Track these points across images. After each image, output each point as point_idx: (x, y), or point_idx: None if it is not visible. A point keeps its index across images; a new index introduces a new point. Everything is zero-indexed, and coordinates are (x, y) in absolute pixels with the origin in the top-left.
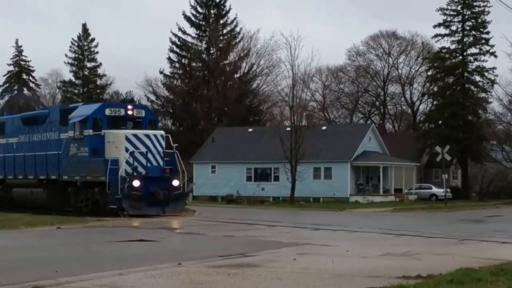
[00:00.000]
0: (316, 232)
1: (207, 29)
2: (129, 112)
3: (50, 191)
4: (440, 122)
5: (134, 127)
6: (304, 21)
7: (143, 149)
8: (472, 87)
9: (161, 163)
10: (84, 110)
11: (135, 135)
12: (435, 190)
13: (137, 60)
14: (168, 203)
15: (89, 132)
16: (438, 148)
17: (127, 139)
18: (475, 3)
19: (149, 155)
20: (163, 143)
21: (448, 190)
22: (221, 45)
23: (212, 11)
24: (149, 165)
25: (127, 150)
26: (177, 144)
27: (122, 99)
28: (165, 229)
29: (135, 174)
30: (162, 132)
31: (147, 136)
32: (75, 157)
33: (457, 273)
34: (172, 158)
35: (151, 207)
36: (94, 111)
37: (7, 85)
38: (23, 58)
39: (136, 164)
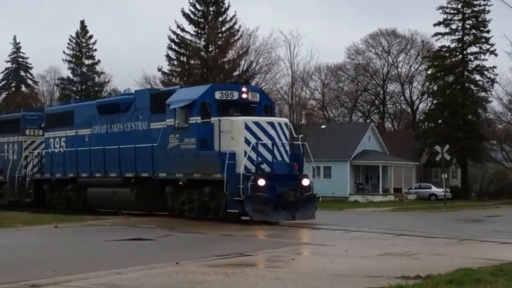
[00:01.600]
0: (315, 231)
1: (206, 27)
2: (244, 96)
3: (140, 191)
4: (439, 121)
5: (246, 114)
6: (304, 19)
7: (267, 141)
8: (472, 86)
9: (286, 158)
10: (187, 93)
11: (257, 123)
12: (434, 189)
13: (135, 58)
14: (298, 207)
15: (197, 119)
16: (437, 148)
17: (247, 128)
18: (475, 2)
19: (275, 148)
20: (288, 134)
21: (448, 190)
22: (220, 42)
23: (211, 9)
24: (274, 160)
25: (247, 141)
26: (302, 135)
27: (233, 80)
28: (163, 228)
29: (258, 171)
30: (286, 120)
31: (271, 124)
32: (177, 150)
33: (456, 273)
34: (298, 152)
35: (278, 212)
36: (203, 94)
37: (4, 82)
38: (21, 55)
39: (260, 159)
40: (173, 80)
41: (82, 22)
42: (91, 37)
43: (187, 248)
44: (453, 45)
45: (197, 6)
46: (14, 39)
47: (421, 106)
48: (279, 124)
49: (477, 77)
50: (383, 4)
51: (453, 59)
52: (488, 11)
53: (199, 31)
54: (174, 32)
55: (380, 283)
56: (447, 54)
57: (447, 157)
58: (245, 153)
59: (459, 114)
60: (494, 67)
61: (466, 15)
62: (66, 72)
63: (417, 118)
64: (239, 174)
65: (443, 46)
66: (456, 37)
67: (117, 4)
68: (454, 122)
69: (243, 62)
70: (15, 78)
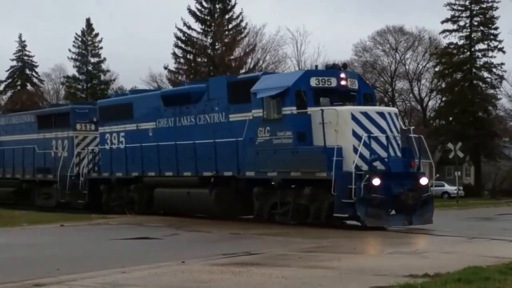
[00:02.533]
0: (323, 230)
1: (212, 24)
2: (342, 83)
3: (221, 192)
4: (450, 118)
5: (345, 103)
6: (311, 16)
7: (379, 134)
8: (480, 83)
9: (399, 153)
10: (276, 80)
11: (365, 114)
12: (447, 187)
13: (141, 56)
14: (415, 210)
15: (292, 109)
16: (450, 145)
17: (355, 119)
18: None
19: (388, 143)
20: (398, 125)
21: (461, 187)
22: (226, 40)
23: (217, 6)
24: (389, 156)
25: (355, 134)
26: (414, 127)
27: (330, 64)
28: (169, 227)
29: (371, 169)
30: (396, 109)
31: (381, 114)
32: (268, 146)
33: (465, 271)
34: (411, 146)
35: (394, 216)
36: (297, 81)
37: (10, 80)
38: (26, 53)
39: (373, 155)
40: (179, 78)
41: (88, 20)
42: (97, 35)
43: (193, 247)
44: (461, 42)
45: (204, 3)
46: (20, 37)
47: (430, 103)
48: (389, 114)
49: (485, 74)
50: (390, 1)
51: (461, 56)
52: (496, 8)
53: (206, 29)
54: (180, 30)
55: (388, 281)
56: (455, 51)
57: (460, 154)
58: (354, 148)
59: (469, 111)
60: (502, 64)
61: (474, 12)
62: (71, 70)
63: (428, 115)
64: (350, 173)
65: (451, 43)
66: (464, 34)
67: (122, 1)
68: (465, 120)
69: (249, 59)
70: (20, 77)
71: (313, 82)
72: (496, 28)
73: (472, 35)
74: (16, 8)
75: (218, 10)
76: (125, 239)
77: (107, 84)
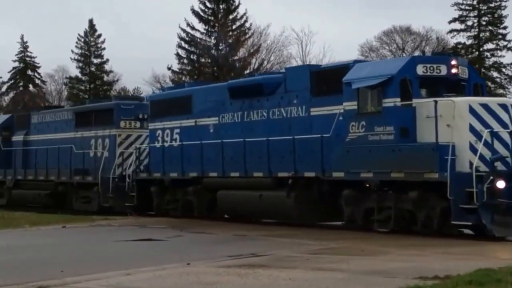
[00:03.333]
0: (329, 231)
1: (216, 25)
2: (453, 71)
3: (301, 195)
4: None
5: (454, 94)
6: (316, 16)
7: (501, 129)
8: (489, 83)
9: None
10: (377, 68)
11: (485, 106)
12: None
13: (145, 56)
14: None
15: (395, 101)
16: None
17: (473, 112)
18: None
19: None
20: None
21: None
22: (230, 40)
23: (221, 6)
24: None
25: (472, 130)
26: None
27: (438, 50)
28: (173, 229)
29: (493, 170)
30: None
31: (503, 106)
32: (362, 143)
33: (476, 273)
34: None
35: None
36: (402, 69)
37: (12, 81)
38: (29, 54)
39: (494, 154)
40: (183, 78)
41: (91, 21)
42: (99, 35)
43: (198, 248)
44: (469, 42)
45: (207, 4)
46: (22, 38)
47: None
48: None
49: (495, 74)
50: (397, 1)
51: (469, 56)
52: (505, 7)
53: (209, 29)
54: (184, 30)
55: (397, 283)
56: (463, 51)
57: None
58: (470, 145)
59: None
60: None
61: (482, 12)
62: (74, 71)
63: None
64: (469, 174)
65: (459, 43)
66: (472, 33)
67: (125, 2)
68: None
69: (254, 60)
70: (22, 78)
71: (420, 70)
72: (505, 28)
73: (481, 35)
74: (18, 8)
75: (222, 10)
76: (128, 241)
77: (110, 85)
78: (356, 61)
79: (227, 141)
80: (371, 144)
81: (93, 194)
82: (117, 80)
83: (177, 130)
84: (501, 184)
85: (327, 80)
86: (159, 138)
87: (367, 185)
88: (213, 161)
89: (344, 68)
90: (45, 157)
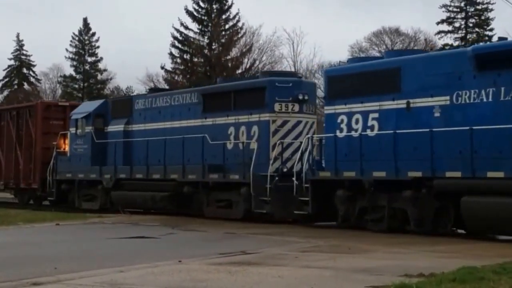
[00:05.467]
0: (318, 230)
1: (209, 24)
2: None
3: None
4: None
5: None
6: (307, 17)
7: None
8: None
9: None
10: None
11: None
12: None
13: (138, 55)
14: None
15: None
16: None
17: None
18: (478, 0)
19: None
20: None
21: None
22: (223, 40)
23: (214, 6)
24: None
25: None
26: None
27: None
28: (165, 227)
29: None
30: None
31: None
32: None
33: (459, 271)
34: None
35: None
36: None
37: (7, 79)
38: (24, 52)
39: None
40: (176, 78)
41: (85, 20)
42: (93, 34)
43: (190, 246)
44: (456, 43)
45: (201, 3)
46: (17, 36)
47: None
48: None
49: None
50: (386, 2)
51: None
52: (491, 10)
53: (203, 29)
54: (177, 30)
55: (383, 281)
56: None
57: None
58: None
59: None
60: None
61: (469, 14)
62: (69, 70)
63: None
64: None
65: (446, 44)
66: (459, 35)
67: (120, 1)
68: None
69: (246, 60)
70: (17, 76)
71: None
72: (491, 30)
73: (468, 36)
74: (13, 7)
75: (215, 10)
76: (121, 238)
77: (104, 84)
78: None
79: (479, 129)
80: None
81: (237, 196)
82: (111, 79)
83: (374, 115)
84: None
85: None
86: (343, 126)
87: None
88: (448, 156)
89: None
90: (163, 151)
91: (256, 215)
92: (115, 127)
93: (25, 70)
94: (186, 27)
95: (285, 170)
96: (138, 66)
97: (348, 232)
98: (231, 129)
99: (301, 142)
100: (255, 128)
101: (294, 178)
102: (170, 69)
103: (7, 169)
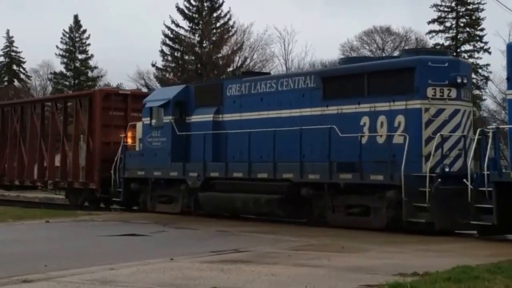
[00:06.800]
0: (312, 228)
1: (200, 22)
2: None
3: None
4: None
5: None
6: (298, 15)
7: None
8: None
9: None
10: None
11: None
12: None
13: (129, 53)
14: None
15: None
16: None
17: None
18: (469, 0)
19: None
20: None
21: None
22: (214, 38)
23: (205, 4)
24: None
25: None
26: None
27: None
28: (156, 224)
29: None
30: None
31: None
32: None
33: (454, 270)
34: None
35: None
36: None
37: None
38: (14, 49)
39: None
40: (167, 75)
41: (76, 17)
42: (84, 31)
43: (181, 244)
44: (447, 43)
45: (192, 1)
46: (7, 33)
47: None
48: None
49: (472, 75)
50: (378, 1)
51: None
52: (482, 10)
53: (194, 27)
54: (168, 27)
55: (377, 280)
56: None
57: None
58: None
59: None
60: (488, 65)
61: (460, 13)
62: (59, 67)
63: None
64: None
65: (437, 44)
66: (450, 35)
67: None
68: None
69: (237, 58)
70: (7, 73)
71: None
72: (482, 30)
73: (458, 36)
74: (3, 3)
75: (206, 8)
76: (112, 236)
77: (94, 81)
78: None
79: None
80: None
81: (378, 201)
82: (101, 76)
83: None
84: None
85: None
86: None
87: None
88: None
89: None
90: (269, 145)
91: (405, 225)
92: (201, 117)
93: (15, 67)
94: (177, 25)
95: (446, 170)
96: (129, 63)
97: (340, 231)
98: (365, 120)
99: (462, 135)
100: (400, 118)
101: (467, 180)
102: (161, 67)
103: (51, 166)
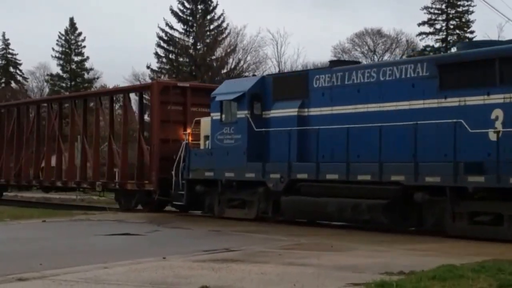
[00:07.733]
0: (301, 228)
1: (194, 25)
2: None
3: None
4: None
5: None
6: (290, 18)
7: None
8: None
9: None
10: None
11: None
12: None
13: (124, 55)
14: None
15: None
16: None
17: None
18: (459, 3)
19: None
20: None
21: None
22: (208, 40)
23: (199, 7)
24: None
25: None
26: None
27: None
28: (151, 224)
29: None
30: None
31: None
32: None
33: (439, 269)
34: None
35: None
36: None
37: None
38: (10, 51)
39: None
40: (162, 77)
41: (72, 19)
42: (80, 34)
43: (174, 243)
44: (437, 45)
45: (186, 4)
46: (3, 35)
47: None
48: None
49: None
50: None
51: None
52: (472, 12)
53: (188, 29)
54: (162, 30)
55: (364, 278)
56: (431, 54)
57: None
58: None
59: None
60: None
61: (450, 16)
62: (55, 69)
63: None
64: None
65: (428, 46)
66: (440, 37)
67: (105, 1)
68: None
69: (231, 60)
70: (4, 75)
71: None
72: (472, 32)
73: (448, 38)
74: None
75: (200, 11)
76: (107, 235)
77: (90, 83)
78: None
79: None
80: None
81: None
82: (97, 78)
83: None
84: None
85: None
86: None
87: None
88: None
89: None
90: (372, 143)
91: None
92: (283, 111)
93: (11, 69)
94: (171, 27)
95: None
96: (124, 65)
97: (329, 230)
98: (497, 113)
99: None
100: None
101: None
102: (156, 69)
103: (95, 166)
